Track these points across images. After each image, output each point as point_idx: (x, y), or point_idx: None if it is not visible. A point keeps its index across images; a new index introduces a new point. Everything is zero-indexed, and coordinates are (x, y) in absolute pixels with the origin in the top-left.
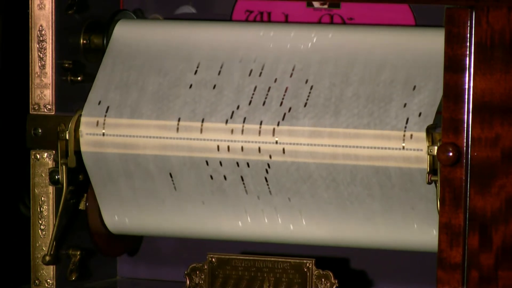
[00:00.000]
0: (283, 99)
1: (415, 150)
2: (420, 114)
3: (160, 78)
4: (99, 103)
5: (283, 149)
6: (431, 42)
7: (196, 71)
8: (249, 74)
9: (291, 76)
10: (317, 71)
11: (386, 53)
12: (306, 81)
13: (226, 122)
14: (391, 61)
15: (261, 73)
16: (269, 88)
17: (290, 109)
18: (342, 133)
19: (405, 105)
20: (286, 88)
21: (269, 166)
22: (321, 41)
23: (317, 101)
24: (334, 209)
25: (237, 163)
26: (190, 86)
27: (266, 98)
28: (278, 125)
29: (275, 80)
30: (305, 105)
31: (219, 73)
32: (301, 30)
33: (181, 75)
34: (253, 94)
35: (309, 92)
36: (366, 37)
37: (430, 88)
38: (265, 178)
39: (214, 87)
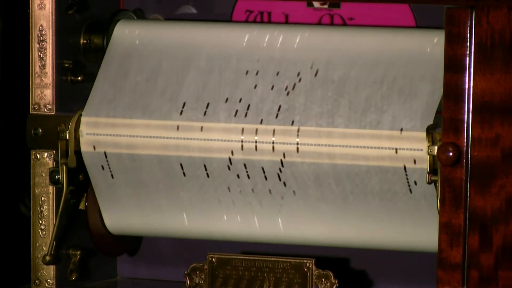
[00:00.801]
0: (273, 143)
1: (415, 150)
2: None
3: (146, 115)
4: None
5: (294, 192)
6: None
7: (181, 111)
8: (235, 115)
9: (276, 117)
10: (303, 111)
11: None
12: (292, 123)
13: (229, 168)
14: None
15: (246, 113)
16: (256, 130)
17: (284, 155)
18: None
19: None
20: (274, 131)
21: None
22: (306, 78)
23: (308, 146)
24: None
25: (250, 203)
26: (178, 128)
27: (256, 143)
28: (280, 171)
29: (261, 121)
30: (297, 151)
31: (204, 114)
32: (287, 66)
33: (167, 114)
34: (242, 136)
35: (297, 133)
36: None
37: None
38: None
39: (202, 129)
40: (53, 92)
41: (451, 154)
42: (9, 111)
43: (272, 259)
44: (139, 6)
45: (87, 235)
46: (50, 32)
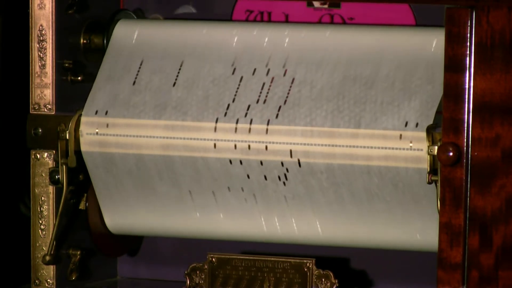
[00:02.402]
0: (287, 208)
1: (415, 150)
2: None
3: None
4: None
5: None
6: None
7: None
8: (246, 201)
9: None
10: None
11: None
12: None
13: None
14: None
15: (246, 199)
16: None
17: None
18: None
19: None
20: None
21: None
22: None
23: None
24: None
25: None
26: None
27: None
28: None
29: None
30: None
31: (216, 201)
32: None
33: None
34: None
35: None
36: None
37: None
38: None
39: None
40: (53, 92)
41: (451, 154)
42: (9, 111)
43: (272, 259)
44: (139, 6)
45: (87, 235)
46: (50, 32)
